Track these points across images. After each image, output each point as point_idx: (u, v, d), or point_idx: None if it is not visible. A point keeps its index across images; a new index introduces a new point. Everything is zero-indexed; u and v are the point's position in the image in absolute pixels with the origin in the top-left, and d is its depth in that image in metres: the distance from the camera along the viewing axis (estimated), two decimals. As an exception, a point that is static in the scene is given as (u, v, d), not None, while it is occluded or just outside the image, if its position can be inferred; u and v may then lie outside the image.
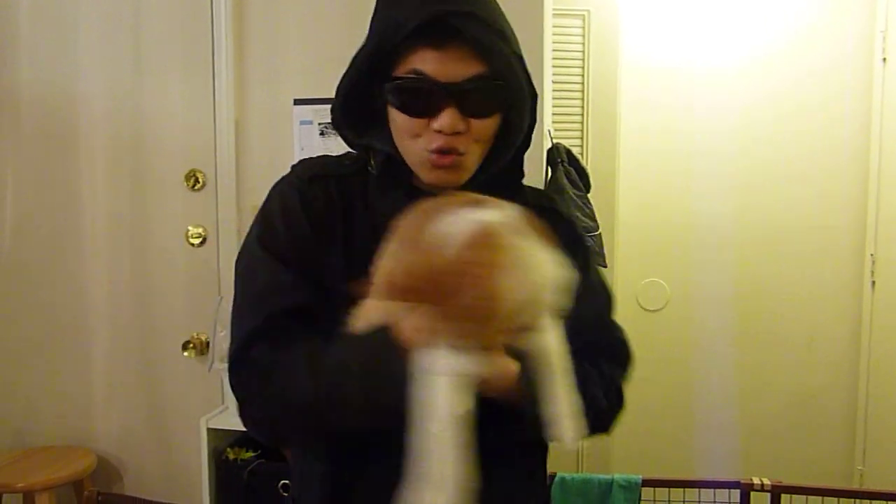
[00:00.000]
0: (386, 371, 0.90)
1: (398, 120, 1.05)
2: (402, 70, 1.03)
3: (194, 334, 2.38)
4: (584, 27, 2.72)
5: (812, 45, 3.10)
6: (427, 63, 1.01)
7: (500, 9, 1.07)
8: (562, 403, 0.97)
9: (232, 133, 2.33)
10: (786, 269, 3.18)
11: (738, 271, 3.21)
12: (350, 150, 1.15)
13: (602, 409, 1.12)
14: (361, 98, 1.09)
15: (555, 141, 2.36)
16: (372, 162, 1.11)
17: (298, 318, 1.03)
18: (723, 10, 3.14)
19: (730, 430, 3.30)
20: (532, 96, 1.09)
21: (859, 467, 3.15)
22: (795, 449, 3.25)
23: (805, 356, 3.21)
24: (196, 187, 2.36)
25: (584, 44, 2.73)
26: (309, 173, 1.13)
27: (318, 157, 1.19)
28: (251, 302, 1.06)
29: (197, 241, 2.37)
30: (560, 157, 2.29)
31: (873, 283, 3.06)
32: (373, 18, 1.08)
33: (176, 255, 2.40)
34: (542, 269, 0.89)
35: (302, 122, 2.27)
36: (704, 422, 3.31)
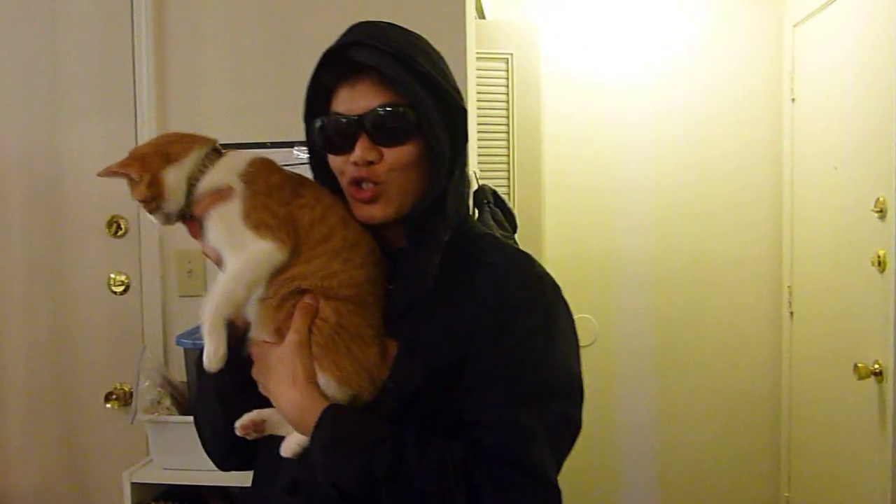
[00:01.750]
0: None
1: (330, 161, 1.10)
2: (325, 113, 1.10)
3: (117, 385, 2.31)
4: (507, 70, 2.78)
5: (725, 88, 3.23)
6: (341, 101, 1.07)
7: (413, 37, 1.11)
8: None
9: (155, 178, 2.29)
10: (707, 301, 3.27)
11: (661, 304, 3.30)
12: None
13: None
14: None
15: (481, 182, 2.39)
16: None
17: None
18: (638, 60, 3.26)
19: (656, 461, 3.36)
20: (455, 118, 1.09)
21: (786, 494, 3.23)
22: (722, 477, 3.32)
23: (728, 386, 3.30)
24: (118, 234, 2.31)
25: (508, 86, 2.78)
26: None
27: None
28: None
29: (119, 289, 2.31)
30: (486, 199, 2.31)
31: (791, 313, 3.17)
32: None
33: (97, 303, 2.33)
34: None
35: (227, 167, 2.24)
36: (631, 454, 3.37)
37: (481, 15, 2.85)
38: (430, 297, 1.06)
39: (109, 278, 2.32)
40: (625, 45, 3.27)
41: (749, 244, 3.25)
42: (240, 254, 1.01)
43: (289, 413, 1.04)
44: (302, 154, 2.23)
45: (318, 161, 1.15)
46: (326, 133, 1.08)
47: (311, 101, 1.11)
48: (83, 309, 2.34)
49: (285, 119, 2.23)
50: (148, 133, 2.27)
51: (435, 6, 2.13)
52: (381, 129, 1.05)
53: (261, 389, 1.08)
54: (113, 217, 2.30)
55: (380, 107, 1.05)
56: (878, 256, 2.34)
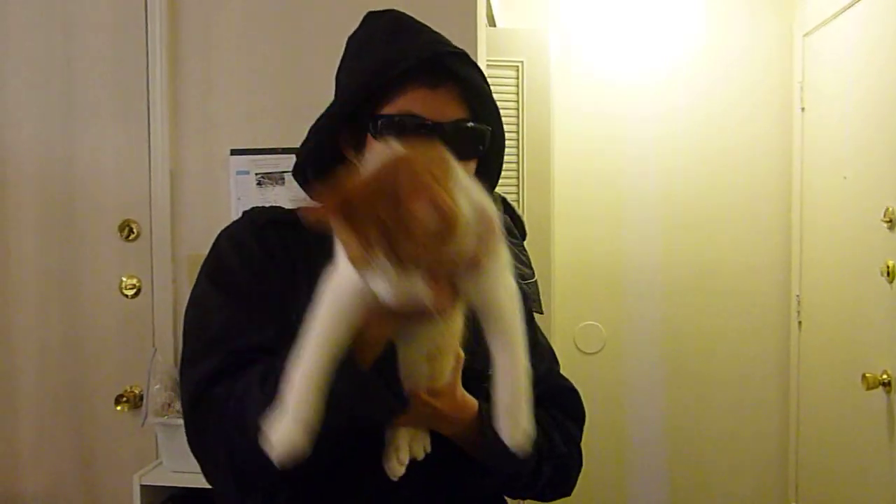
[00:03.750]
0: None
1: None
2: (391, 109, 1.04)
3: (127, 388, 2.32)
4: (518, 77, 2.79)
5: (735, 98, 3.24)
6: (418, 102, 1.03)
7: None
8: (508, 383, 0.87)
9: (167, 183, 2.31)
10: (715, 309, 3.27)
11: (669, 312, 3.30)
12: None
13: (563, 455, 1.15)
14: (330, 142, 1.10)
15: (491, 189, 2.40)
16: None
17: (260, 357, 0.98)
18: (649, 69, 3.26)
19: (665, 468, 3.35)
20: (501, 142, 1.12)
21: (793, 503, 3.22)
22: (730, 486, 3.32)
23: (736, 395, 3.29)
24: (130, 238, 2.33)
25: (518, 94, 2.79)
26: (263, 218, 1.12)
27: (270, 206, 1.18)
28: (208, 343, 1.02)
29: (131, 293, 2.33)
30: (496, 206, 2.33)
31: (800, 323, 3.17)
32: (351, 62, 1.10)
33: (109, 306, 2.35)
34: (491, 209, 0.85)
35: (238, 172, 2.26)
36: (640, 461, 3.36)
37: (492, 23, 2.86)
38: None
39: (121, 281, 2.33)
40: (635, 55, 3.28)
41: (758, 253, 3.25)
42: None
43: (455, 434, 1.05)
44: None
45: (319, 150, 1.11)
46: (401, 130, 1.02)
47: (364, 87, 1.05)
48: (95, 312, 2.36)
49: (297, 125, 2.24)
50: (161, 138, 2.30)
51: (446, 14, 2.14)
52: (459, 143, 1.02)
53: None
54: (125, 221, 2.32)
55: (465, 121, 1.05)
56: (887, 267, 2.33)
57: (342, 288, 0.83)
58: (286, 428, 0.83)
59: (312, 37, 2.26)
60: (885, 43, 2.45)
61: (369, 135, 1.05)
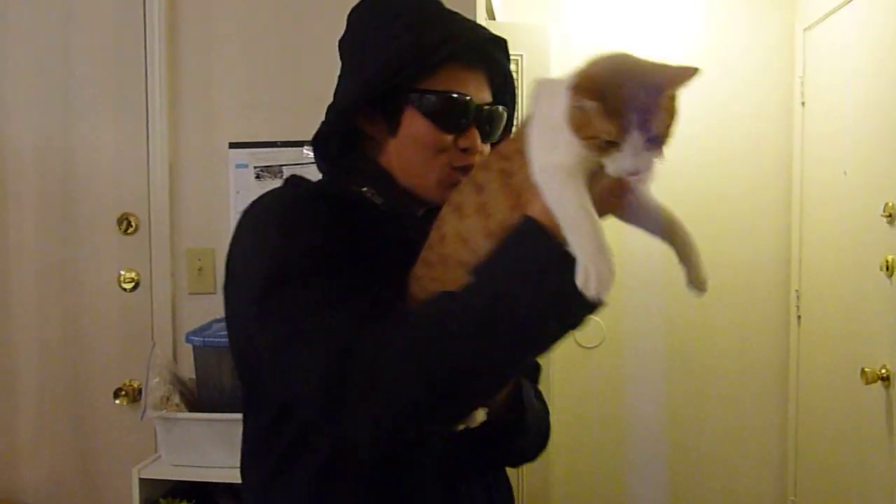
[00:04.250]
0: (541, 257, 0.84)
1: (423, 133, 1.05)
2: (432, 85, 1.04)
3: (126, 381, 2.32)
4: (517, 71, 2.79)
5: (735, 92, 3.23)
6: (460, 83, 1.05)
7: None
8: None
9: (166, 176, 2.31)
10: (715, 304, 3.27)
11: (669, 307, 3.29)
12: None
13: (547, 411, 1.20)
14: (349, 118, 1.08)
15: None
16: (363, 188, 1.07)
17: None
18: (647, 53, 3.25)
19: (663, 462, 3.36)
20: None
21: (792, 497, 3.22)
22: (729, 480, 3.32)
23: (735, 390, 3.30)
24: (129, 231, 2.32)
25: (518, 87, 2.78)
26: (316, 190, 1.07)
27: (304, 178, 1.12)
28: (324, 316, 0.88)
29: (129, 286, 2.33)
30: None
31: (799, 317, 3.17)
32: (377, 38, 1.08)
33: (108, 300, 2.35)
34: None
35: (237, 166, 2.26)
36: (638, 455, 3.36)
37: (491, 16, 2.85)
38: None
39: (120, 275, 2.33)
40: (635, 48, 3.26)
41: (757, 247, 3.25)
42: None
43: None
44: (311, 153, 2.24)
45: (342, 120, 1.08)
46: (445, 106, 1.04)
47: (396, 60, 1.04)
48: (93, 305, 2.36)
49: (295, 118, 2.25)
50: (160, 131, 2.29)
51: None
52: (491, 126, 1.09)
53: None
54: (124, 214, 2.32)
55: (499, 105, 1.10)
56: (887, 262, 2.33)
57: (568, 168, 0.86)
58: (594, 259, 0.83)
59: (311, 30, 2.26)
60: (885, 38, 2.44)
61: (410, 108, 1.05)
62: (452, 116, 1.05)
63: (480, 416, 0.99)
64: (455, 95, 1.04)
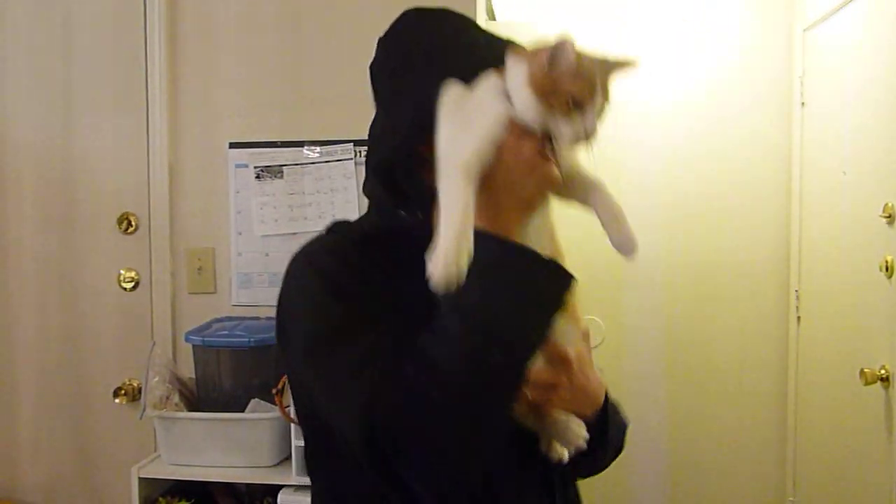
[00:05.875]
0: (522, 267, 0.96)
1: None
2: None
3: (126, 381, 2.33)
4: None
5: (734, 92, 3.22)
6: None
7: None
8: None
9: (166, 176, 2.31)
10: (714, 303, 3.26)
11: (668, 306, 3.29)
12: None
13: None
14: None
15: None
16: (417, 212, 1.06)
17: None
18: (649, 57, 3.25)
19: (663, 462, 3.36)
20: None
21: (791, 498, 3.22)
22: (728, 480, 3.32)
23: (735, 390, 3.29)
24: (129, 230, 2.33)
25: (517, 87, 2.79)
26: (356, 233, 1.09)
27: (346, 223, 1.13)
28: (356, 373, 0.90)
29: (129, 286, 2.33)
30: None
31: (798, 317, 3.16)
32: (427, 66, 1.07)
33: (107, 299, 2.35)
34: None
35: (237, 166, 2.26)
36: (637, 455, 3.36)
37: (492, 16, 2.86)
38: None
39: (119, 274, 2.34)
40: (635, 48, 3.27)
41: (757, 247, 3.25)
42: None
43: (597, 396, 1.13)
44: (312, 153, 2.25)
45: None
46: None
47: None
48: (93, 305, 2.36)
49: (295, 118, 2.25)
50: (159, 131, 2.30)
51: (447, 7, 2.14)
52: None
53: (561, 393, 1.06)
54: (124, 214, 2.32)
55: None
56: (886, 262, 2.33)
57: (465, 163, 0.93)
58: (448, 250, 0.87)
59: (311, 30, 2.26)
60: (886, 38, 2.44)
61: None
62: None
63: (568, 450, 1.10)
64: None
